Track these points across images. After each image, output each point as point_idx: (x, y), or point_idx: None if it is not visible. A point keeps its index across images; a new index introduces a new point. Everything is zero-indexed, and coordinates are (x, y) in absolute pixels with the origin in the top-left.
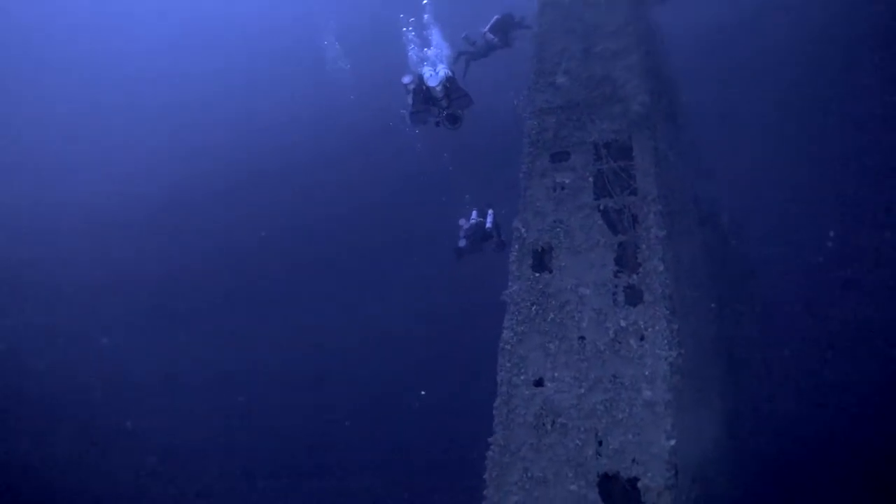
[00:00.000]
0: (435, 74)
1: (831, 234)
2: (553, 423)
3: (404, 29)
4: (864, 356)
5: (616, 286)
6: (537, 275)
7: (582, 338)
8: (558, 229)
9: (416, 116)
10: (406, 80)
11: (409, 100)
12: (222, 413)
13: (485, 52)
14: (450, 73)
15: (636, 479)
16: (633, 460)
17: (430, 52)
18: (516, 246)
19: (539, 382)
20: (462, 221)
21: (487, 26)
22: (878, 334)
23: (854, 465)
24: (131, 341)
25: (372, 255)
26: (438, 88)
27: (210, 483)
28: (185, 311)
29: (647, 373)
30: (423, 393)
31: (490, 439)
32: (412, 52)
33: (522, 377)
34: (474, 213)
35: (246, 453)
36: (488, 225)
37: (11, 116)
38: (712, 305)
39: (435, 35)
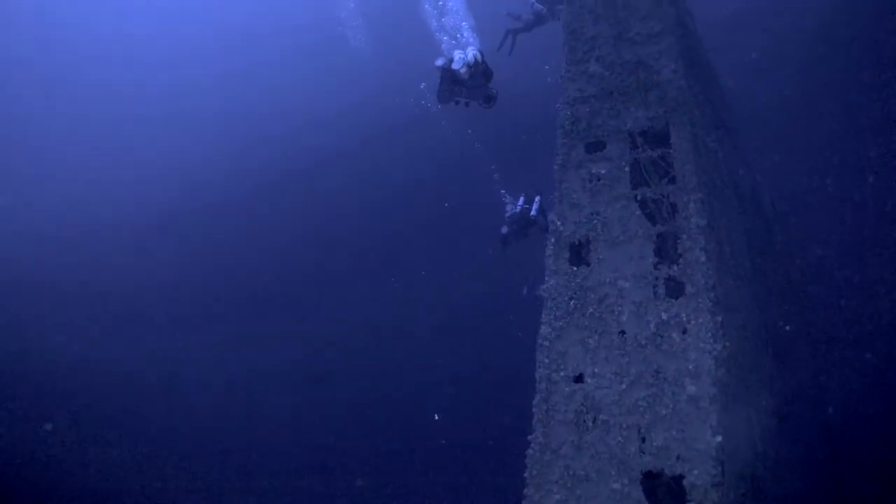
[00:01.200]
0: (463, 57)
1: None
2: (594, 419)
3: None
4: None
5: (656, 278)
6: (575, 268)
7: (622, 332)
8: (595, 221)
9: (442, 96)
10: (439, 62)
11: (439, 79)
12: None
13: (534, 24)
14: (478, 57)
15: (681, 477)
16: (678, 457)
17: (447, 21)
18: (552, 239)
19: (579, 378)
20: (508, 208)
21: None
22: None
23: None
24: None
25: (397, 246)
26: (463, 71)
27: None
28: (207, 312)
29: (690, 367)
30: (436, 417)
31: (530, 437)
32: (433, 23)
33: (562, 373)
34: (521, 199)
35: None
36: (533, 212)
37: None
38: (760, 298)
39: (455, 3)
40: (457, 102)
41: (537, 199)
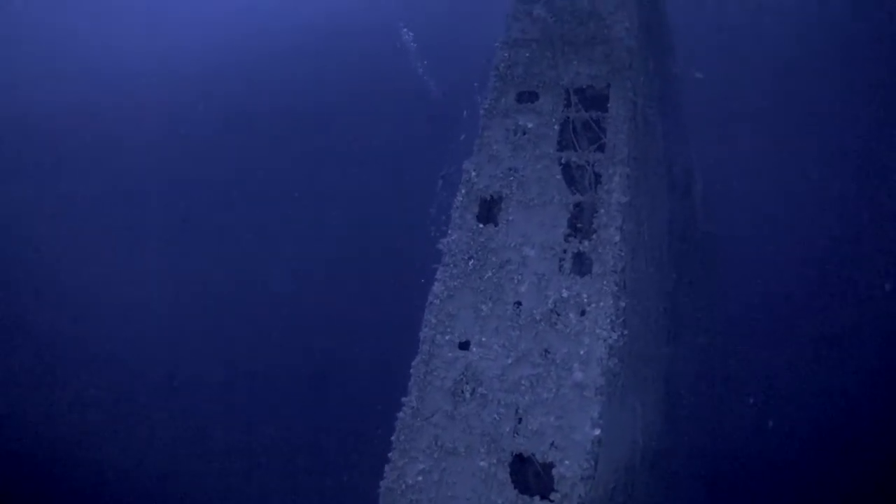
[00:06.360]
0: None
1: None
2: (473, 391)
3: None
4: (827, 361)
5: (565, 251)
6: (481, 226)
7: (518, 303)
8: (512, 178)
9: None
10: None
11: None
12: None
13: None
14: None
15: (552, 465)
16: (553, 444)
17: None
18: (463, 191)
19: (464, 345)
20: None
21: None
22: (840, 339)
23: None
24: None
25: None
26: None
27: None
28: None
29: (582, 352)
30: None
31: (403, 399)
32: None
33: (447, 337)
34: None
35: None
36: None
37: None
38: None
39: None
40: None
41: None
